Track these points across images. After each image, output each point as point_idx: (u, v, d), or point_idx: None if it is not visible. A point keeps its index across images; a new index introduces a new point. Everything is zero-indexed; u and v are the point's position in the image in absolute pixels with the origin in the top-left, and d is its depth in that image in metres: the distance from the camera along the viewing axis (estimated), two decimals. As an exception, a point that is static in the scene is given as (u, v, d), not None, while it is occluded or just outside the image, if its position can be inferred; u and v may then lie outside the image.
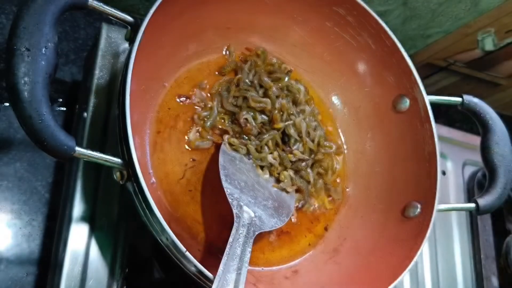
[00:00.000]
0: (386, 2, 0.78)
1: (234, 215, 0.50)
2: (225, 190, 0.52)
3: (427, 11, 0.81)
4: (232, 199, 0.52)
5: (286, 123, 0.61)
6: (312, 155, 0.63)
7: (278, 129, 0.60)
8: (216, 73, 0.63)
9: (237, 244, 0.46)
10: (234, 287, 0.41)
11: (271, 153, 0.60)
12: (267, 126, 0.61)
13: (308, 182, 0.62)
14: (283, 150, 0.61)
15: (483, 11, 0.79)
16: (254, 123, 0.60)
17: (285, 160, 0.60)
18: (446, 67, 0.98)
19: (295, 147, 0.61)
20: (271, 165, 0.60)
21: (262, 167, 0.60)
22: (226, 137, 0.59)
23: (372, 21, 0.63)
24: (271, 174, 0.60)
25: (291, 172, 0.61)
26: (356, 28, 0.64)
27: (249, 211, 0.52)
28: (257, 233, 0.50)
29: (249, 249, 0.46)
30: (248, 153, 0.59)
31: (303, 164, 0.61)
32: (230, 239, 0.46)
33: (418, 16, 0.82)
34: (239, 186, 0.54)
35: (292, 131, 0.61)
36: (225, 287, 0.40)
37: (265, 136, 0.59)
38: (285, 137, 0.62)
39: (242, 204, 0.52)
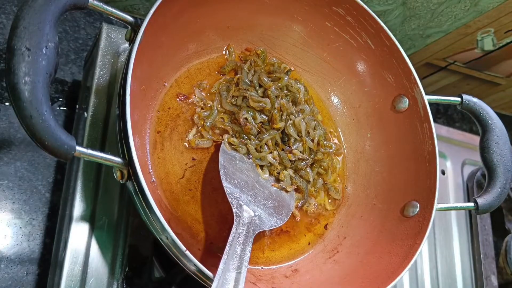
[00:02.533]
0: (386, 2, 0.78)
1: (234, 214, 0.50)
2: (225, 189, 0.52)
3: (426, 11, 0.81)
4: (232, 198, 0.52)
5: (287, 123, 0.61)
6: (312, 155, 0.63)
7: (277, 129, 0.61)
8: (216, 72, 0.63)
9: (237, 243, 0.46)
10: (234, 286, 0.41)
11: (270, 152, 0.60)
12: (266, 126, 0.61)
13: (308, 181, 0.63)
14: (282, 149, 0.61)
15: (482, 11, 0.79)
16: (253, 123, 0.60)
17: (284, 160, 0.60)
18: (445, 67, 0.98)
19: (294, 146, 0.61)
20: (271, 164, 0.60)
21: (262, 167, 0.60)
22: (226, 136, 0.59)
23: (371, 21, 0.63)
24: (271, 174, 0.60)
25: (290, 172, 0.61)
26: (355, 28, 0.64)
27: (249, 210, 0.52)
28: (256, 232, 0.50)
29: (249, 248, 0.46)
30: (248, 152, 0.59)
31: (303, 163, 0.61)
32: (230, 238, 0.46)
33: (418, 16, 0.82)
34: (239, 185, 0.54)
35: (291, 131, 0.61)
36: (225, 286, 0.40)
37: (265, 135, 0.59)
38: (284, 137, 0.62)
39: (242, 203, 0.52)
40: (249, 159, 0.59)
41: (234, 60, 0.64)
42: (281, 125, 0.60)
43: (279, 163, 0.60)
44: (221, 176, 0.53)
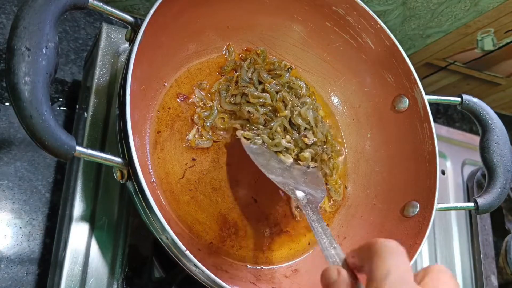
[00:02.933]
0: (386, 2, 0.78)
1: (295, 200, 0.53)
2: (274, 181, 0.54)
3: (426, 11, 0.81)
4: (283, 186, 0.54)
5: (293, 114, 0.61)
6: (320, 147, 0.63)
7: (284, 117, 0.60)
8: (217, 73, 0.63)
9: (315, 224, 0.48)
10: (339, 258, 0.41)
11: (283, 138, 0.60)
12: (271, 115, 0.60)
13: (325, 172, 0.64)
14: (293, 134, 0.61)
15: (482, 11, 0.79)
16: (259, 113, 0.59)
17: (299, 142, 0.60)
18: (445, 67, 0.98)
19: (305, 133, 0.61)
20: (287, 149, 0.60)
21: (280, 152, 0.60)
22: (240, 132, 0.59)
23: (371, 21, 0.63)
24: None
25: (309, 151, 0.61)
26: (355, 28, 0.64)
27: (300, 192, 0.54)
28: (318, 206, 0.52)
29: (324, 223, 0.48)
30: (263, 142, 0.59)
31: (319, 148, 0.61)
32: (309, 223, 0.49)
33: (418, 16, 0.82)
34: (279, 173, 0.56)
35: (300, 121, 0.61)
36: (334, 262, 0.40)
37: (273, 123, 0.59)
38: (293, 126, 0.61)
39: (292, 188, 0.54)
40: (265, 148, 0.59)
41: (234, 59, 0.64)
42: (286, 113, 0.60)
43: (294, 145, 0.60)
44: (265, 172, 0.54)
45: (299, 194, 0.54)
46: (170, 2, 0.50)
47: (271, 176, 0.54)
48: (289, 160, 0.60)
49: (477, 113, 0.65)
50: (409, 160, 0.64)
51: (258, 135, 0.59)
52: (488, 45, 0.89)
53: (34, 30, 0.39)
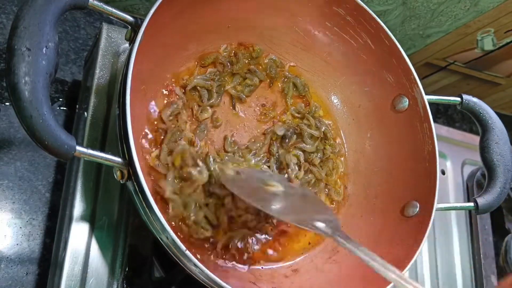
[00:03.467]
0: (386, 2, 0.78)
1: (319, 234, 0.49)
2: (293, 222, 0.50)
3: (426, 11, 0.81)
4: (301, 224, 0.48)
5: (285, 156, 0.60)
6: (319, 154, 0.63)
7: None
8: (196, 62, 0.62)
9: (356, 250, 0.45)
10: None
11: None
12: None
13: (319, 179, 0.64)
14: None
15: (482, 11, 0.79)
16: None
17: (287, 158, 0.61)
18: (445, 67, 0.98)
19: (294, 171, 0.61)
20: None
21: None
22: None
23: (371, 21, 0.63)
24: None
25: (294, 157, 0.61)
26: (355, 28, 0.64)
27: (319, 223, 0.48)
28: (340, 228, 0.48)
29: (360, 245, 0.45)
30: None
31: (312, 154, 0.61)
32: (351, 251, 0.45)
33: (418, 16, 0.82)
34: (288, 210, 0.51)
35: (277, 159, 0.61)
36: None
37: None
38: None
39: (310, 222, 0.48)
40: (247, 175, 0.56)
41: (217, 52, 0.63)
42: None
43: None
44: (275, 215, 0.50)
45: (320, 225, 0.47)
46: (170, 2, 0.50)
47: (282, 217, 0.50)
48: (280, 188, 0.53)
49: (477, 113, 0.65)
50: (409, 160, 0.64)
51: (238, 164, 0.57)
52: (488, 45, 0.89)
53: (34, 30, 0.39)
